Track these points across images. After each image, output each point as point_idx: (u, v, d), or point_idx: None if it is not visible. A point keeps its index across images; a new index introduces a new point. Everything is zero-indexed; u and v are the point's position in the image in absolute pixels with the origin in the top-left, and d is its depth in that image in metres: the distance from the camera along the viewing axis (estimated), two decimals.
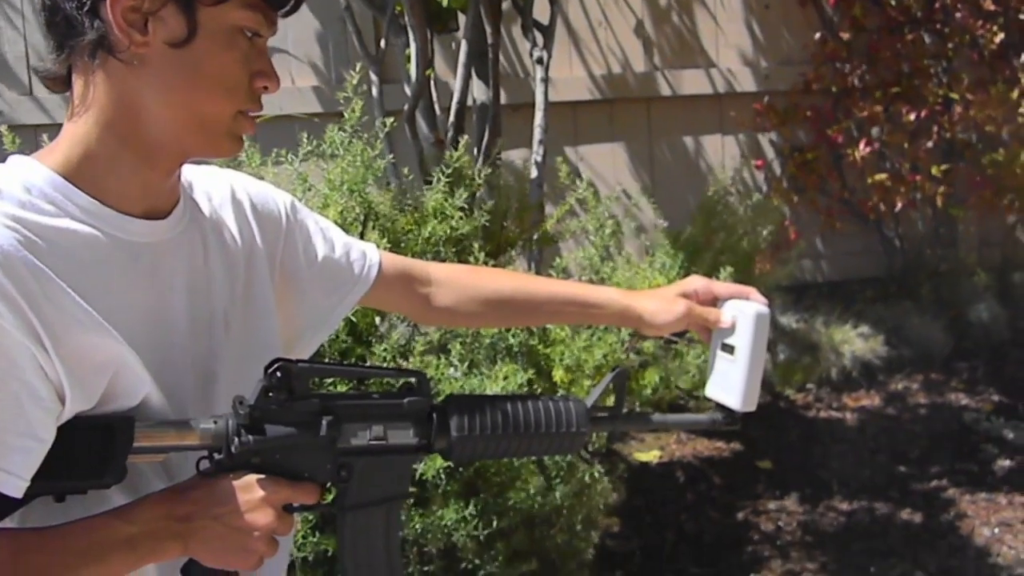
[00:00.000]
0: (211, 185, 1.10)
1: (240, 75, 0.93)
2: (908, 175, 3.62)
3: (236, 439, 0.91)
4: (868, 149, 3.49)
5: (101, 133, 0.91)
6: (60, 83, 0.94)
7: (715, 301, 1.24)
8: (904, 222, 3.97)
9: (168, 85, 0.90)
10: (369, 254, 1.23)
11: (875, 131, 3.64)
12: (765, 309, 1.19)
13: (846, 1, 3.65)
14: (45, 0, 0.90)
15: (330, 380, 1.49)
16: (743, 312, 1.19)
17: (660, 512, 2.63)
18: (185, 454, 0.93)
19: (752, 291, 1.23)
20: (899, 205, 3.57)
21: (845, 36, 3.71)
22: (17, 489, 0.82)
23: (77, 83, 0.92)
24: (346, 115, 1.81)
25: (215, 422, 0.92)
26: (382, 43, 2.62)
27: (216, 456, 0.92)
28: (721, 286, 1.25)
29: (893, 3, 3.62)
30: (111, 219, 0.92)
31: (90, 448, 0.87)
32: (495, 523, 1.48)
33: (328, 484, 0.97)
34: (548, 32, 2.67)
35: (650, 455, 2.87)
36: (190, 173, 1.07)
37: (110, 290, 0.89)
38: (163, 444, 0.90)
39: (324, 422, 0.94)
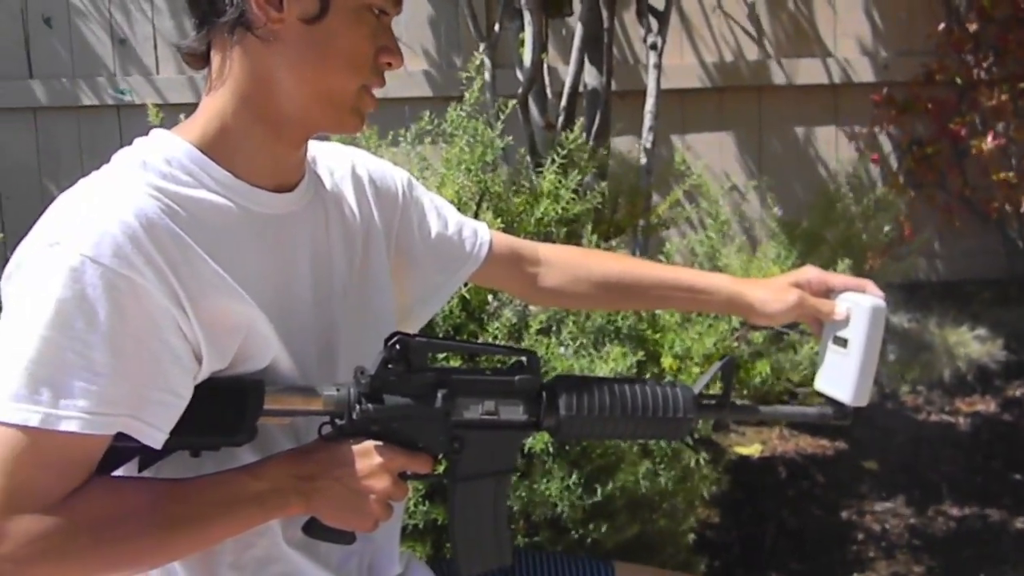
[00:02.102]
0: (333, 161, 1.14)
1: (367, 51, 0.97)
2: None
3: (357, 406, 0.95)
4: (996, 143, 3.33)
5: (236, 107, 0.96)
6: (199, 60, 0.99)
7: (828, 293, 1.22)
8: None
9: (300, 60, 0.94)
10: (480, 232, 1.26)
11: (1001, 126, 3.48)
12: (882, 302, 1.17)
13: None
14: None
15: (442, 355, 1.53)
16: (858, 304, 1.16)
17: (760, 506, 2.60)
18: (310, 417, 0.97)
19: (868, 284, 1.21)
20: None
21: (972, 27, 3.54)
22: (156, 441, 0.87)
23: (215, 59, 0.97)
24: (466, 95, 1.84)
25: (338, 389, 0.96)
26: (495, 27, 2.65)
27: (338, 422, 0.96)
28: (836, 277, 1.23)
29: None
30: (243, 191, 0.96)
31: (225, 408, 0.92)
32: (599, 492, 1.49)
33: (440, 455, 1.01)
34: (663, 18, 2.65)
35: (751, 449, 2.83)
36: (314, 148, 1.12)
37: (241, 258, 0.94)
38: (290, 408, 0.95)
39: (439, 395, 0.97)
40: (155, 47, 3.47)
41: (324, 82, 0.96)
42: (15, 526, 0.81)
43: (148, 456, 0.91)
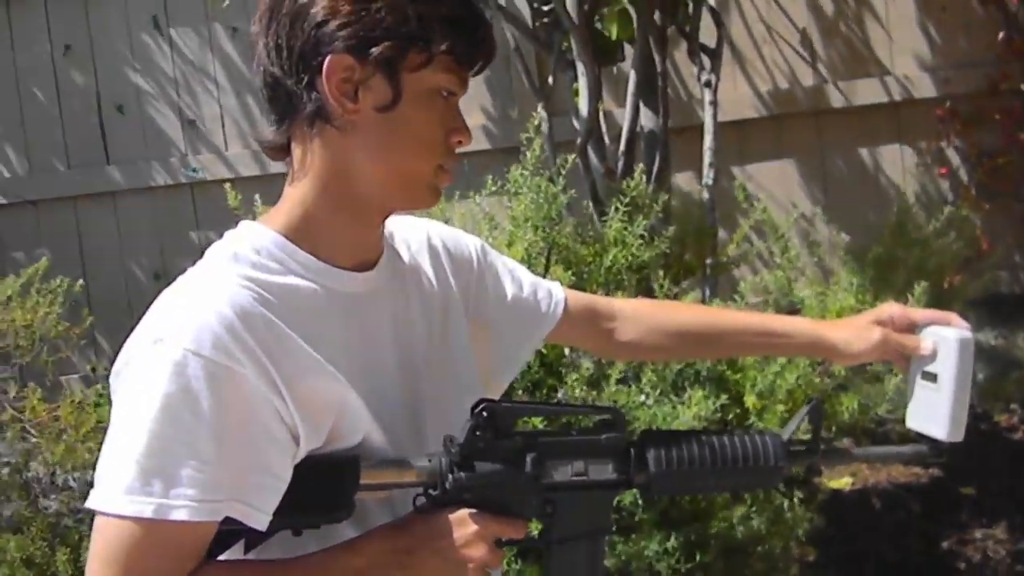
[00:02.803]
0: (409, 234, 1.17)
1: (438, 133, 1.00)
2: None
3: (450, 476, 0.96)
4: None
5: (317, 195, 1.00)
6: (280, 152, 1.04)
7: (912, 328, 1.21)
8: None
9: (376, 146, 0.98)
10: (555, 292, 1.28)
11: None
12: (969, 334, 1.15)
13: None
14: (267, 79, 1.00)
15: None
16: (945, 338, 1.15)
17: (857, 541, 2.53)
18: (405, 489, 0.99)
19: (953, 316, 1.19)
20: None
21: None
22: (261, 523, 0.90)
23: (296, 151, 1.01)
24: (528, 155, 1.88)
25: (429, 460, 0.98)
26: (549, 79, 2.69)
27: (431, 492, 0.98)
28: (919, 312, 1.22)
29: None
30: (327, 273, 1.00)
31: (323, 486, 0.94)
32: (698, 557, 1.48)
33: (533, 518, 1.01)
34: (715, 55, 2.66)
35: (842, 482, 2.77)
36: (390, 223, 1.14)
37: (330, 338, 0.97)
38: (385, 481, 0.97)
39: (529, 459, 0.98)
40: (222, 125, 3.60)
41: (401, 165, 0.99)
42: None
43: (253, 538, 0.94)
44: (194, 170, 3.55)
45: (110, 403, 0.93)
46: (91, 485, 0.89)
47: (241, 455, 0.89)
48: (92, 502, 0.87)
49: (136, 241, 3.59)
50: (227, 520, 0.89)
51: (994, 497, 2.74)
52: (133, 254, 3.58)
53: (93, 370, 2.29)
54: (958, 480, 2.83)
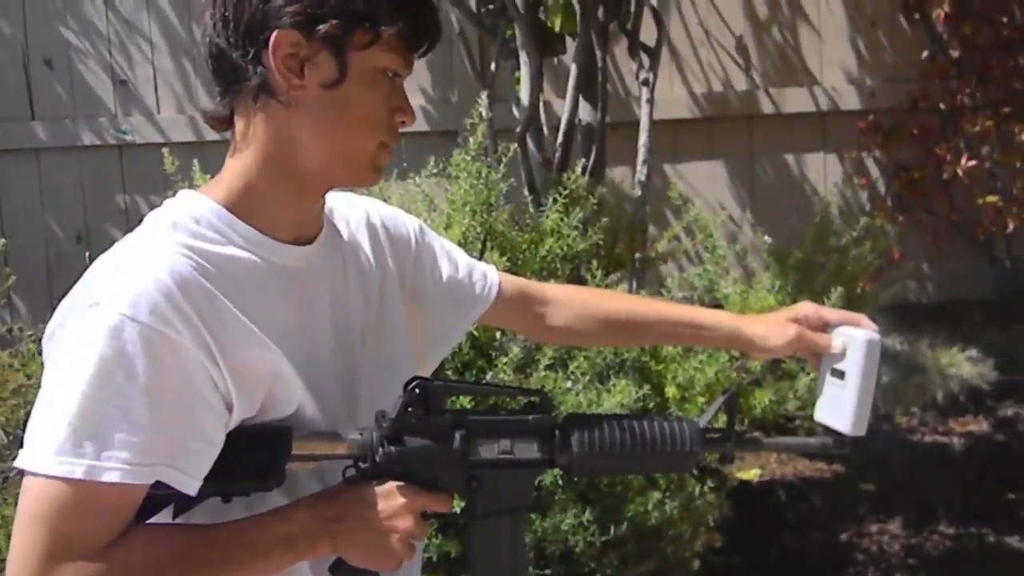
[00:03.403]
0: (349, 210, 1.19)
1: (382, 112, 1.02)
2: (1020, 195, 3.52)
3: (380, 449, 0.99)
4: (972, 163, 3.41)
5: (260, 168, 1.01)
6: (223, 123, 1.04)
7: (825, 327, 1.27)
8: (1016, 243, 3.85)
9: (321, 123, 0.99)
10: (490, 275, 1.31)
11: (985, 150, 3.56)
12: (876, 336, 1.22)
13: (956, 19, 3.58)
14: (212, 50, 1.00)
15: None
16: (854, 338, 1.21)
17: (762, 529, 2.64)
18: (335, 460, 1.01)
19: (863, 318, 1.26)
20: (1011, 226, 3.47)
21: (954, 54, 3.63)
22: (192, 488, 0.91)
23: (239, 123, 1.02)
24: (470, 141, 1.90)
25: (361, 433, 1.00)
26: (492, 66, 2.71)
27: (361, 464, 1.00)
28: (832, 313, 1.28)
29: (1006, 21, 3.53)
30: (267, 246, 1.01)
31: (255, 455, 0.96)
32: (612, 531, 1.54)
33: (459, 494, 1.05)
34: (654, 54, 2.72)
35: (750, 473, 2.87)
36: (330, 200, 1.16)
37: (267, 309, 0.99)
38: (316, 452, 0.99)
39: (457, 436, 1.02)
40: (155, 87, 3.53)
41: (344, 142, 1.01)
42: (60, 575, 0.85)
43: (182, 503, 0.95)
44: (124, 132, 3.47)
45: (41, 365, 0.93)
46: (15, 446, 0.89)
47: (175, 420, 0.90)
48: (22, 462, 0.87)
49: (59, 201, 3.49)
50: (157, 484, 0.90)
51: (891, 494, 2.88)
52: (56, 214, 3.48)
53: (10, 331, 2.23)
54: (859, 476, 2.96)
